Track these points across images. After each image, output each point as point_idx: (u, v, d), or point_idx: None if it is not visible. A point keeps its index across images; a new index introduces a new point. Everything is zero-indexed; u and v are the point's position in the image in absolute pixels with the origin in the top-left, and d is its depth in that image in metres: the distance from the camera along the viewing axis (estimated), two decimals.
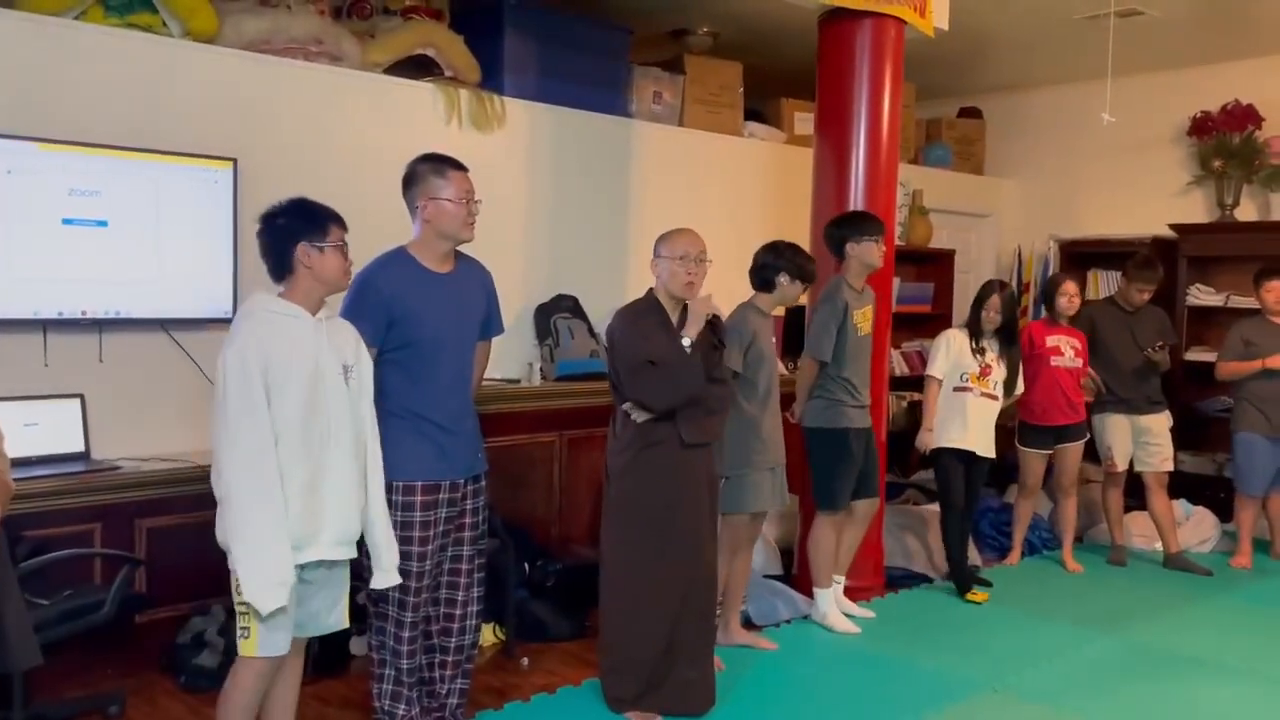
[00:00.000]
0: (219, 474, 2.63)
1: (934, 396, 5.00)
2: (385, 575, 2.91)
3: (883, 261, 4.49)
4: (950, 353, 5.00)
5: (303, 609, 2.79)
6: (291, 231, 2.73)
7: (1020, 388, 5.18)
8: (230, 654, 2.97)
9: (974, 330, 5.02)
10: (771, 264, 4.13)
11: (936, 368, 5.02)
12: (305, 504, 2.68)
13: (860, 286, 4.47)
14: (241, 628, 2.69)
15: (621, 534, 3.52)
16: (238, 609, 2.68)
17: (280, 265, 2.75)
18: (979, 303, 5.03)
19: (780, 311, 5.89)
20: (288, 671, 2.89)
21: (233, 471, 2.60)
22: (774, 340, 4.21)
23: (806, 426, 4.46)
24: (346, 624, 2.93)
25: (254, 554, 2.59)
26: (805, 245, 4.86)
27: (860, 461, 4.46)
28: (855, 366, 4.41)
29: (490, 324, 3.31)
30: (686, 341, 3.46)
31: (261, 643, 2.69)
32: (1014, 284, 7.58)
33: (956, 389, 4.98)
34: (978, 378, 4.97)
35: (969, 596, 4.98)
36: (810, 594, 4.61)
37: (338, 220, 2.80)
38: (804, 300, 4.72)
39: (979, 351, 4.98)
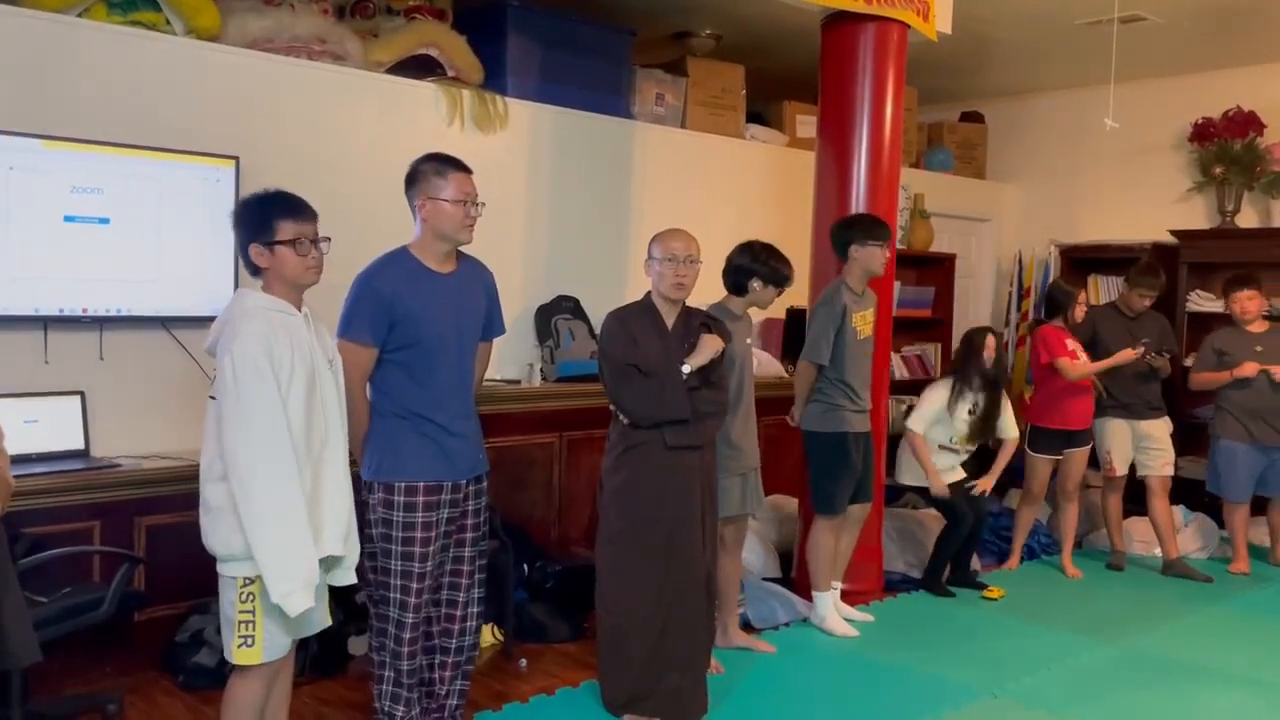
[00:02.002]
0: (231, 477, 2.55)
1: (923, 446, 5.02)
2: (348, 574, 2.83)
3: (884, 269, 4.48)
4: (938, 412, 5.02)
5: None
6: (242, 232, 2.70)
7: (1013, 431, 5.20)
8: None
9: (967, 383, 5.03)
10: (746, 267, 4.04)
11: (920, 423, 5.03)
12: (311, 501, 2.66)
13: (861, 290, 4.45)
14: (244, 636, 2.63)
15: (609, 533, 3.52)
16: (240, 617, 2.63)
17: (247, 264, 2.73)
18: (974, 353, 5.03)
19: (780, 314, 5.92)
20: (283, 672, 2.87)
21: (253, 475, 2.53)
22: (749, 341, 4.16)
23: (805, 430, 4.45)
24: (329, 621, 2.91)
25: (285, 556, 2.54)
26: (807, 248, 4.88)
27: (859, 466, 4.45)
28: (855, 370, 4.39)
29: (492, 325, 3.30)
30: (686, 369, 3.43)
31: (267, 649, 2.66)
32: (1014, 288, 7.60)
33: (943, 447, 5.07)
34: (965, 439, 5.07)
35: (988, 594, 5.08)
36: (809, 597, 4.60)
37: (290, 213, 2.69)
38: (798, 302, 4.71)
39: (972, 410, 5.03)
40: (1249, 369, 5.46)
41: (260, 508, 2.53)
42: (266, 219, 2.67)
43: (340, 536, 2.75)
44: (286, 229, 2.67)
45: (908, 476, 5.18)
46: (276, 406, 2.56)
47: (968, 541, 5.22)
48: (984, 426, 5.05)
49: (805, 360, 4.40)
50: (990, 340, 5.05)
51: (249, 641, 2.63)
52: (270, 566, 2.54)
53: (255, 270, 2.73)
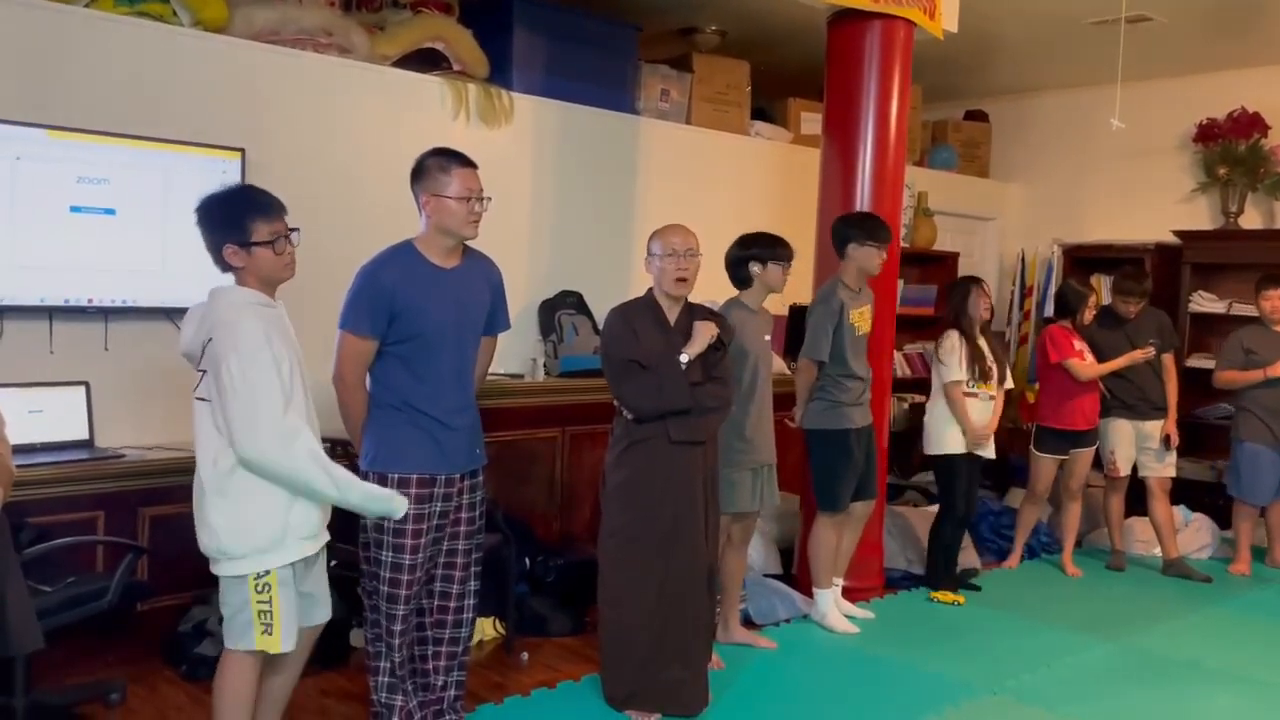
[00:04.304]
0: (269, 472, 2.60)
1: (964, 400, 4.93)
2: (395, 500, 2.89)
3: (880, 270, 4.45)
4: (958, 356, 4.95)
5: (317, 596, 2.84)
6: (212, 231, 2.67)
7: (1009, 382, 5.18)
8: None
9: (965, 330, 4.99)
10: (740, 256, 4.06)
11: (955, 372, 4.93)
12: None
13: (857, 287, 4.44)
14: (265, 625, 2.66)
15: (611, 528, 3.53)
16: (257, 607, 2.66)
17: (217, 262, 2.70)
18: (962, 300, 5.01)
19: (783, 311, 5.92)
20: (292, 664, 2.90)
21: (302, 457, 2.60)
22: (766, 338, 4.15)
23: (807, 428, 4.44)
24: (330, 614, 2.95)
25: (361, 487, 2.73)
26: (811, 245, 4.88)
27: (861, 463, 4.45)
28: (854, 365, 4.39)
29: (495, 320, 3.30)
30: (684, 358, 3.43)
31: (285, 636, 2.69)
32: (1017, 287, 7.60)
33: (968, 394, 4.95)
34: (985, 382, 4.97)
35: (939, 596, 4.97)
36: (810, 593, 4.61)
37: (263, 212, 2.67)
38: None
39: (981, 354, 4.98)
40: None
41: (325, 476, 2.64)
42: (239, 220, 2.65)
43: (326, 524, 2.85)
44: (262, 229, 2.66)
45: (947, 444, 4.98)
46: (283, 399, 2.60)
47: (955, 539, 5.21)
48: (994, 365, 5.01)
49: (805, 358, 4.40)
50: (988, 287, 5.04)
51: (269, 630, 2.67)
52: (355, 496, 2.72)
53: (226, 268, 2.71)
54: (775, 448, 4.17)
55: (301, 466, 2.60)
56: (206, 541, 2.68)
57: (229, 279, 2.72)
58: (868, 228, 4.40)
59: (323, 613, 2.90)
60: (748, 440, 4.01)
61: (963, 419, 4.91)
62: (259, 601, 2.65)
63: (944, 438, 4.99)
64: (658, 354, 3.44)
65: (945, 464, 5.03)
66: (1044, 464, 5.47)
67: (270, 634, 2.68)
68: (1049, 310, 6.78)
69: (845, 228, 4.44)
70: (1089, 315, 5.42)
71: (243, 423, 2.56)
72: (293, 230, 2.74)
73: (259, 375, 2.56)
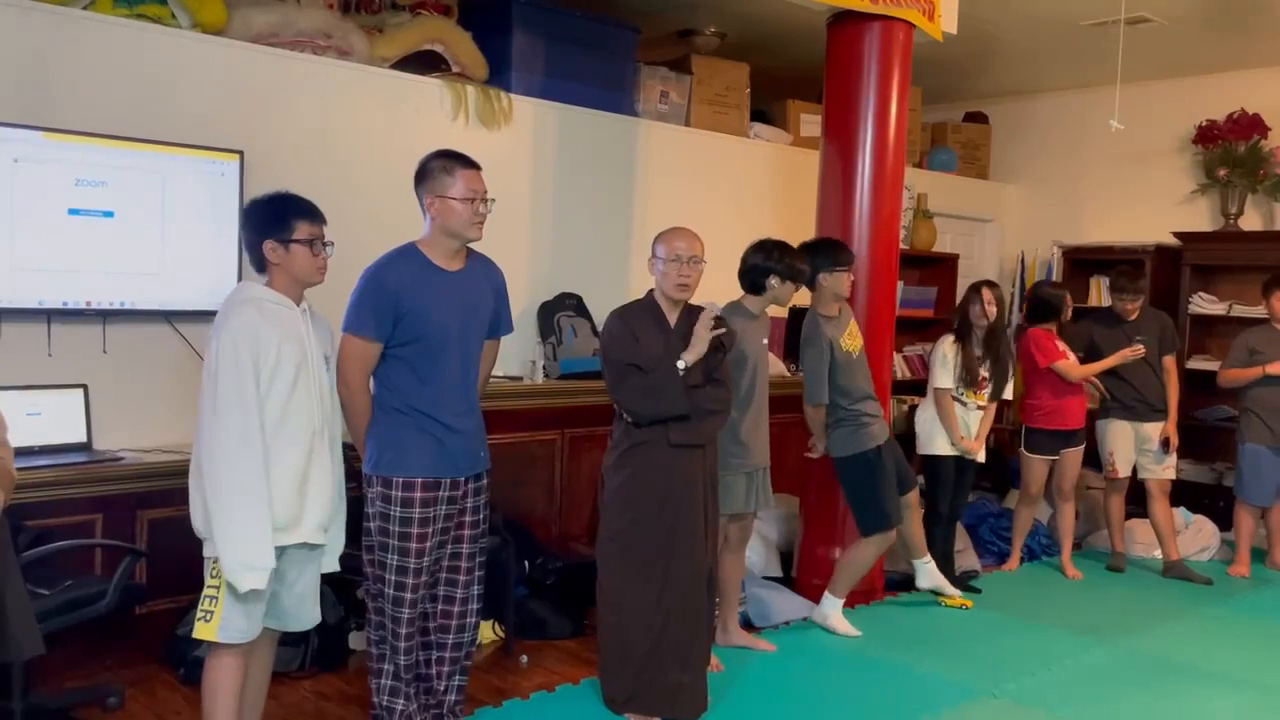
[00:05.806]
0: (201, 459, 2.68)
1: (952, 406, 4.99)
2: (332, 561, 2.97)
3: (850, 291, 4.41)
4: (951, 364, 5.00)
5: (284, 599, 2.86)
6: (257, 228, 2.82)
7: (1009, 393, 5.20)
8: None
9: (965, 335, 5.02)
10: (761, 266, 4.02)
11: (945, 379, 4.99)
12: (296, 488, 2.77)
13: (834, 313, 4.38)
14: (204, 610, 2.72)
15: (611, 531, 3.53)
16: (206, 592, 2.72)
17: (255, 259, 2.85)
18: (965, 307, 5.04)
19: (782, 313, 5.92)
20: (259, 661, 2.93)
21: (221, 454, 2.65)
22: (765, 341, 4.13)
23: (837, 457, 4.38)
24: (319, 618, 3.00)
25: (237, 535, 2.65)
26: None
27: (893, 470, 4.42)
28: (861, 386, 4.36)
29: (499, 323, 3.29)
30: (682, 364, 3.41)
31: (223, 628, 2.72)
32: (1016, 289, 7.60)
33: (955, 399, 5.01)
34: (974, 391, 5.00)
35: (948, 601, 4.95)
36: (810, 596, 4.61)
37: (307, 215, 2.84)
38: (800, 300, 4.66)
39: (978, 361, 4.99)
40: None
41: (225, 490, 2.65)
42: (285, 217, 2.81)
43: (319, 526, 2.86)
44: (303, 229, 2.82)
45: (935, 446, 5.05)
46: (249, 396, 2.67)
47: (946, 540, 5.20)
48: (992, 372, 5.02)
49: (809, 405, 4.36)
50: (987, 293, 5.01)
51: (207, 617, 2.72)
52: (223, 544, 2.65)
53: (262, 266, 2.84)
54: (769, 451, 4.15)
55: (221, 468, 2.65)
56: (193, 519, 2.76)
57: (261, 279, 2.86)
58: (832, 254, 4.35)
59: (310, 617, 2.94)
60: (743, 444, 3.99)
61: (949, 426, 4.97)
62: (210, 585, 2.72)
63: (933, 440, 5.05)
64: (657, 358, 3.44)
65: (932, 465, 5.08)
66: (1035, 465, 5.47)
67: (208, 621, 2.72)
68: None
69: (811, 258, 4.30)
70: (1069, 316, 5.45)
71: (203, 407, 2.69)
72: (328, 243, 2.88)
73: (225, 368, 2.66)
